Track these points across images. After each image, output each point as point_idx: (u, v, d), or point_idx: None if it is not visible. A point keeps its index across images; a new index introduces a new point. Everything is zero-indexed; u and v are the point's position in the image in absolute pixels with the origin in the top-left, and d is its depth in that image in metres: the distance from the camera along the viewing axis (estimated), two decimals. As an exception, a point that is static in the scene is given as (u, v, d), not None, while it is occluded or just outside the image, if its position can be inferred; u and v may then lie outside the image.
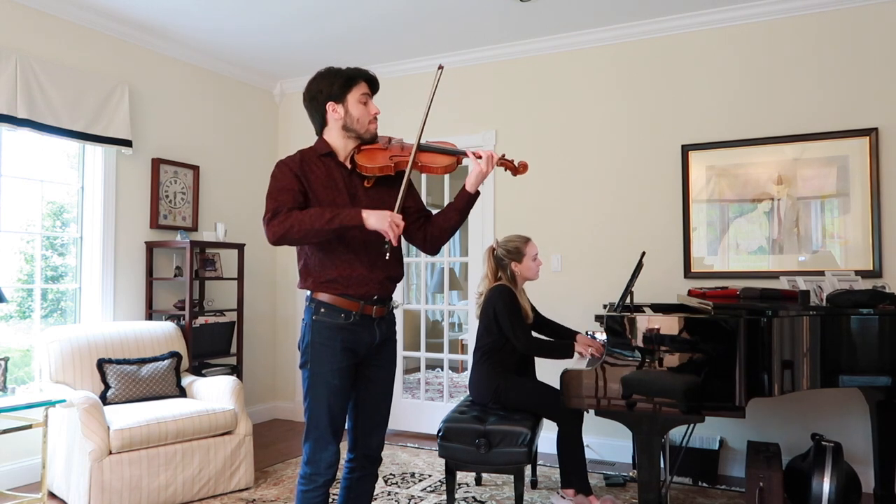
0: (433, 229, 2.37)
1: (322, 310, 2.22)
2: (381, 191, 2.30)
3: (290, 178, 2.20)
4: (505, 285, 3.39)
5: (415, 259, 5.48)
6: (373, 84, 2.32)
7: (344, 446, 2.40)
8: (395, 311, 2.41)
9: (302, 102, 2.36)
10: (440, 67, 2.32)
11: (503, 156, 2.32)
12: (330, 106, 2.26)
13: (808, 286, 3.17)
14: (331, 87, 2.26)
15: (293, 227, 2.11)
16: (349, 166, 2.30)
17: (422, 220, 2.38)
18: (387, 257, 2.21)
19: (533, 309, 3.57)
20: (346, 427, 2.34)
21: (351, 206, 2.22)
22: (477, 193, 2.30)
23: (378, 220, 2.11)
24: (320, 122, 2.31)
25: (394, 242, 2.14)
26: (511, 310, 3.31)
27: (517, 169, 2.32)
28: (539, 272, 3.52)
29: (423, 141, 2.27)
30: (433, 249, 2.41)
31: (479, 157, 2.24)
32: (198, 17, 4.20)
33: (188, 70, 4.85)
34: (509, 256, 3.43)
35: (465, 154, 2.28)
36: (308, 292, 2.27)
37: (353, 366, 2.27)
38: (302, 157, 2.26)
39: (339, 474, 2.36)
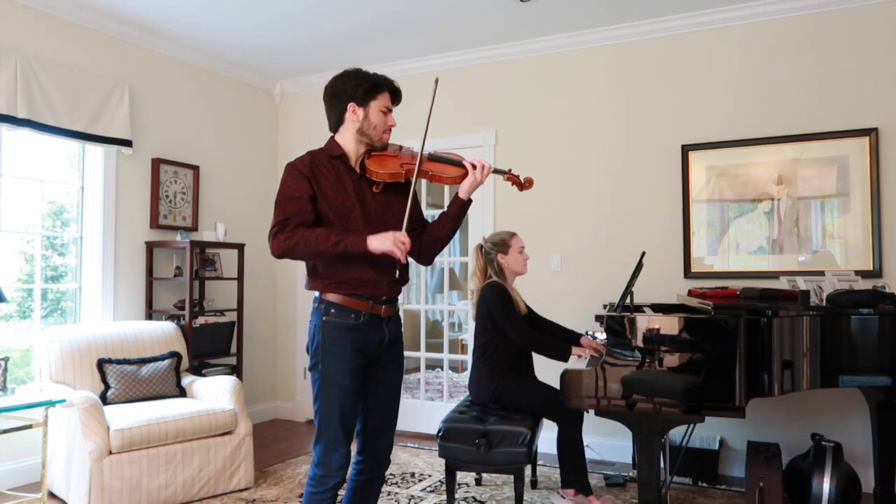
0: (427, 237, 2.38)
1: (332, 310, 2.22)
2: (389, 196, 2.32)
3: (300, 183, 2.19)
4: (496, 281, 3.43)
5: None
6: (396, 97, 2.33)
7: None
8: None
9: (322, 97, 2.35)
10: (436, 81, 2.32)
11: (510, 170, 2.37)
12: (351, 107, 2.26)
13: (808, 286, 3.17)
14: (356, 89, 2.26)
15: (298, 245, 2.12)
16: (358, 171, 2.30)
17: (419, 230, 2.39)
18: (397, 276, 2.23)
19: (529, 309, 3.58)
20: (356, 429, 2.34)
21: (360, 210, 2.24)
22: (469, 201, 2.33)
23: (382, 243, 2.12)
24: (336, 121, 2.31)
25: (402, 261, 2.17)
26: (504, 303, 3.34)
27: (523, 185, 2.40)
28: (526, 266, 3.55)
29: (429, 150, 2.30)
30: (427, 259, 2.42)
31: (474, 167, 2.26)
32: (198, 17, 4.20)
33: (188, 70, 4.85)
34: (495, 249, 3.48)
35: (469, 165, 2.32)
36: (316, 293, 2.27)
37: (364, 366, 2.27)
38: (312, 159, 2.26)
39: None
